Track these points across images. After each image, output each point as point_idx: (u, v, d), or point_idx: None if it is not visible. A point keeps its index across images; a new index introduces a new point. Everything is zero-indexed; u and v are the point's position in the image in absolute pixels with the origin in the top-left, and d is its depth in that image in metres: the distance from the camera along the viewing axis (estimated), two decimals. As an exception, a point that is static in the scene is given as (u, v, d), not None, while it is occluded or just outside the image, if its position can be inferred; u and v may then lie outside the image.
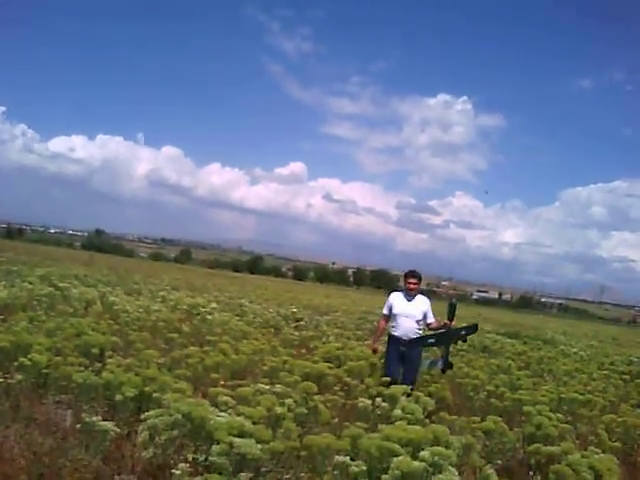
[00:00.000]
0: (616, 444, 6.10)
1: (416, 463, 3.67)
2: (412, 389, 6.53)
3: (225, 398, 4.97)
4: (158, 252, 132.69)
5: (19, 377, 5.46)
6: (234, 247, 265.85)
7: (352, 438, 4.27)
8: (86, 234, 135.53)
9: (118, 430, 4.41)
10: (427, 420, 5.35)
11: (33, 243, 79.88)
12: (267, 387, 5.77)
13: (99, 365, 6.05)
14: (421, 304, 7.64)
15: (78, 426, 4.63)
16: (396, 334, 7.53)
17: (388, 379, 7.01)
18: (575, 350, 18.28)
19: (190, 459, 4.03)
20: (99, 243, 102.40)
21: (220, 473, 3.67)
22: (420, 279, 7.77)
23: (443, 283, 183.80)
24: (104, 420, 4.44)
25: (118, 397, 4.95)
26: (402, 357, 7.41)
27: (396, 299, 7.72)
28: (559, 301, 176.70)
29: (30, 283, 13.48)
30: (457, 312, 7.75)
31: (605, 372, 12.51)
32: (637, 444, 6.32)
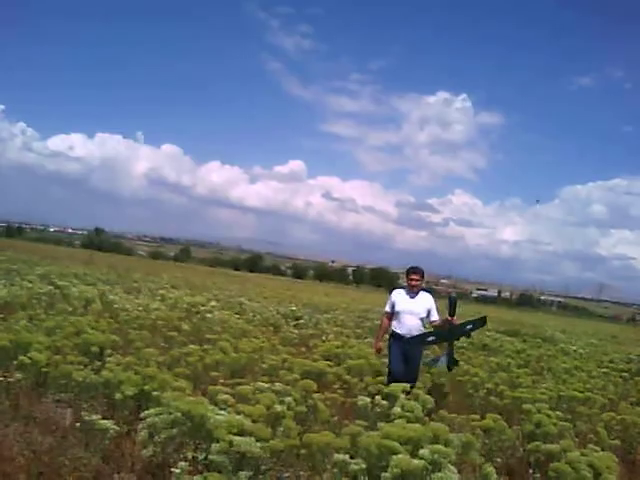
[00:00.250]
0: (615, 442, 6.11)
1: (415, 461, 3.67)
2: (412, 387, 6.50)
3: (225, 396, 4.98)
4: (157, 250, 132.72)
5: (19, 376, 5.47)
6: (233, 245, 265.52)
7: (351, 436, 4.28)
8: (85, 233, 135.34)
9: (118, 429, 4.41)
10: (427, 418, 5.36)
11: (33, 242, 79.96)
12: (267, 385, 5.77)
13: (99, 364, 6.04)
14: (425, 301, 7.46)
15: (78, 425, 4.64)
16: (399, 332, 7.32)
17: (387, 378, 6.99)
18: (574, 348, 18.27)
19: (190, 457, 4.03)
20: (99, 242, 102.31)
21: (220, 471, 3.68)
22: (423, 275, 7.56)
23: (442, 281, 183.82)
24: (104, 419, 4.45)
25: (118, 396, 4.96)
26: (405, 355, 7.23)
27: (398, 296, 7.51)
28: (559, 299, 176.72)
29: (30, 282, 13.48)
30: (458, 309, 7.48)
31: (604, 370, 12.51)
32: (636, 442, 6.32)
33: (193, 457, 4.05)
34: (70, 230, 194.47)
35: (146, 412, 4.28)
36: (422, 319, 7.40)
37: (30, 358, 5.61)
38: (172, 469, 3.75)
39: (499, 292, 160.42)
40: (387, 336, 7.73)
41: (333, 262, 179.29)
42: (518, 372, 10.06)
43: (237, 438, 3.81)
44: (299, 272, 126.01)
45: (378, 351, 8.03)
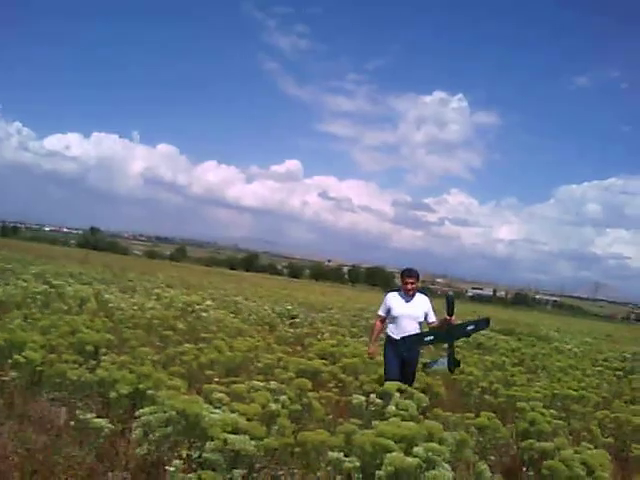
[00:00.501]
0: (609, 440, 6.15)
1: (409, 459, 3.68)
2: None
3: (219, 395, 4.98)
4: (153, 250, 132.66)
5: (13, 374, 5.47)
6: (230, 245, 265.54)
7: (346, 434, 4.28)
8: (81, 232, 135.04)
9: (112, 427, 4.41)
10: (421, 416, 5.36)
11: (28, 241, 79.76)
12: (262, 384, 5.78)
13: (93, 362, 6.03)
14: (422, 304, 7.17)
15: (72, 423, 4.64)
16: (397, 337, 6.95)
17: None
18: (569, 347, 18.32)
19: (184, 456, 4.03)
20: (94, 241, 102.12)
21: (214, 470, 3.68)
22: (418, 277, 7.23)
23: (438, 280, 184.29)
24: (98, 417, 4.44)
25: (112, 394, 4.95)
26: (402, 360, 6.99)
27: (394, 300, 7.20)
28: (554, 298, 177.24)
29: (25, 281, 13.43)
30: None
31: (599, 368, 12.57)
32: (629, 440, 6.34)
33: (187, 455, 4.05)
34: (65, 229, 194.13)
35: (141, 411, 4.28)
36: (420, 323, 7.15)
37: (25, 357, 5.60)
38: (166, 467, 3.75)
39: (494, 291, 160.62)
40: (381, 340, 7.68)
41: (329, 261, 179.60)
42: (513, 371, 10.10)
43: (231, 436, 3.82)
44: (295, 271, 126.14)
45: (372, 356, 7.71)
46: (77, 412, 4.58)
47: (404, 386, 6.14)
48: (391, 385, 5.99)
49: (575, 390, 8.21)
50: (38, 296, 11.35)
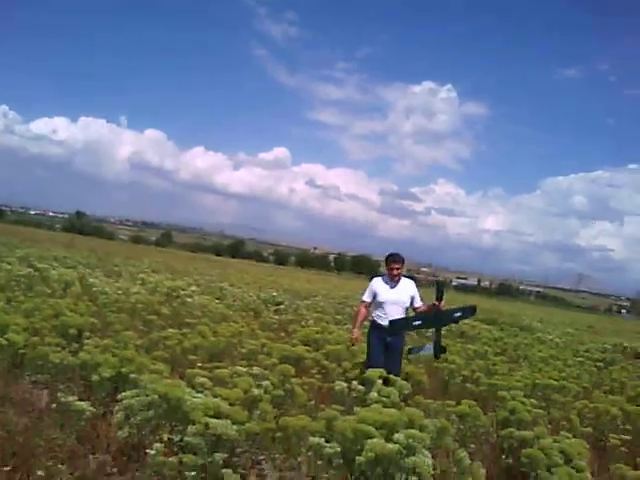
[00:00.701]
0: (587, 429, 6.21)
1: (390, 445, 3.70)
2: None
3: (202, 379, 4.99)
4: (139, 235, 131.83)
5: (-5, 357, 5.45)
6: (216, 231, 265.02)
7: (327, 420, 4.30)
8: (67, 216, 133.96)
9: (94, 410, 4.41)
10: (403, 403, 5.39)
11: (13, 224, 79.11)
12: (245, 369, 5.79)
13: (76, 346, 6.02)
14: (408, 288, 7.02)
15: (53, 406, 4.64)
16: (383, 323, 6.85)
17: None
18: (551, 337, 18.47)
19: (165, 439, 4.04)
20: (80, 225, 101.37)
21: (195, 453, 3.70)
22: (403, 262, 7.05)
23: (423, 269, 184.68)
24: (80, 400, 4.44)
25: (94, 377, 4.94)
26: (387, 345, 6.85)
27: (379, 286, 7.05)
28: (537, 289, 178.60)
29: (9, 264, 13.35)
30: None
31: (580, 359, 12.68)
32: (608, 429, 6.42)
33: (169, 439, 4.06)
34: (51, 213, 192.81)
35: (123, 394, 4.28)
36: (406, 308, 7.03)
37: (7, 339, 5.59)
38: (147, 451, 3.76)
39: (479, 281, 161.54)
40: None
41: (315, 249, 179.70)
42: (495, 360, 10.18)
43: (213, 421, 3.82)
44: (281, 258, 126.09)
45: (355, 342, 7.45)
46: (59, 395, 4.57)
47: (387, 374, 6.12)
48: (373, 372, 6.01)
49: (556, 380, 8.28)
50: (22, 279, 11.30)
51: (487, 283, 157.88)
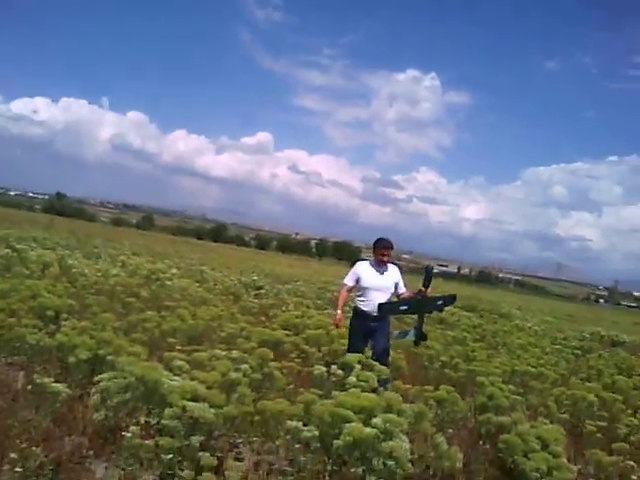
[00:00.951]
0: (564, 415, 6.29)
1: (368, 429, 3.71)
2: (388, 364, 6.39)
3: (180, 362, 4.96)
4: (120, 217, 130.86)
5: (-30, 337, 5.38)
6: (198, 215, 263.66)
7: (305, 404, 4.30)
8: (47, 197, 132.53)
9: (70, 392, 4.37)
10: (381, 388, 5.40)
11: (-9, 204, 78.22)
12: (223, 353, 5.76)
13: (54, 327, 5.96)
14: (393, 274, 6.89)
15: (29, 387, 4.59)
16: (366, 310, 6.74)
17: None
18: (530, 325, 18.66)
19: (142, 422, 4.02)
20: (60, 207, 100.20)
21: (172, 436, 3.67)
22: (392, 248, 6.93)
23: (404, 256, 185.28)
24: (57, 382, 4.39)
25: (71, 359, 4.89)
26: (370, 332, 6.74)
27: (364, 271, 6.88)
28: (516, 277, 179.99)
29: (-14, 245, 13.20)
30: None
31: (558, 347, 12.84)
32: (584, 416, 6.50)
33: (146, 422, 4.03)
34: (31, 194, 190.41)
35: (99, 376, 4.24)
36: (391, 294, 6.88)
37: (-18, 320, 5.52)
38: (124, 433, 3.73)
39: (459, 269, 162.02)
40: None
41: (297, 234, 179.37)
42: (473, 346, 10.25)
43: (190, 404, 3.80)
44: (263, 243, 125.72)
45: (337, 324, 7.32)
46: (35, 376, 4.52)
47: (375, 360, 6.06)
48: (353, 357, 6.00)
49: (534, 367, 8.36)
50: (0, 260, 11.16)
51: (467, 271, 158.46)
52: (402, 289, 6.94)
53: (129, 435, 3.65)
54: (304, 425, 4.01)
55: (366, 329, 6.76)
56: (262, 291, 15.87)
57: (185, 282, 13.49)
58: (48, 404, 4.27)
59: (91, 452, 4.05)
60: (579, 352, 12.86)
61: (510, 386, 6.67)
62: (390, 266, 6.94)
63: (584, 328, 21.88)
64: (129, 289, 10.46)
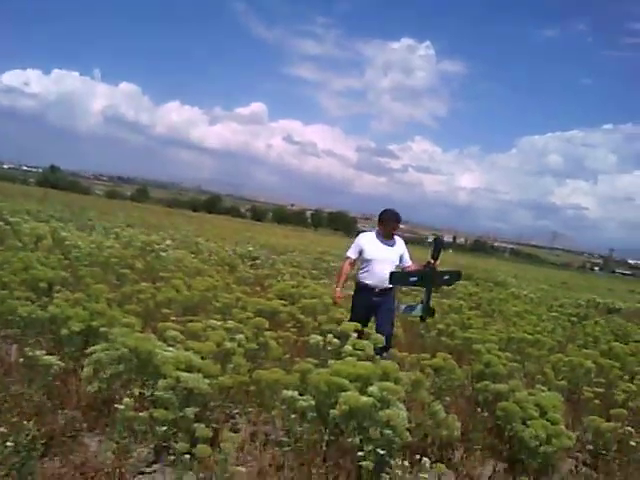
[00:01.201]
0: (562, 382, 6.27)
1: (364, 398, 3.68)
2: (388, 344, 6.18)
3: (174, 333, 4.89)
4: (114, 190, 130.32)
5: (-39, 311, 5.31)
6: (193, 186, 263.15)
7: (301, 373, 4.26)
8: (41, 170, 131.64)
9: (62, 365, 4.31)
10: (377, 357, 5.36)
11: (-16, 179, 77.76)
12: (218, 323, 5.70)
13: (46, 300, 5.89)
14: (399, 246, 6.67)
15: (22, 360, 4.53)
16: (369, 283, 6.47)
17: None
18: (525, 293, 18.67)
19: (136, 394, 3.97)
20: (54, 180, 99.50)
21: (166, 408, 3.63)
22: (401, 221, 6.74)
23: (400, 226, 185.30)
24: (49, 355, 4.34)
25: (64, 331, 4.83)
26: (374, 307, 6.49)
27: (368, 242, 6.61)
28: (511, 246, 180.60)
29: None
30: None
31: (554, 314, 12.84)
32: (582, 382, 6.50)
33: (139, 393, 3.99)
34: (25, 167, 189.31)
35: (92, 348, 4.18)
36: (395, 267, 6.55)
37: (-26, 293, 5.45)
38: (117, 405, 3.68)
39: (454, 238, 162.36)
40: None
41: (292, 205, 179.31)
42: (469, 314, 10.22)
43: (184, 374, 3.75)
44: (258, 214, 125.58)
45: (337, 301, 7.03)
46: (27, 349, 4.46)
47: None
48: (348, 325, 5.97)
49: (530, 334, 8.35)
50: (-8, 232, 11.08)
51: (462, 240, 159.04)
52: (408, 262, 6.71)
53: (123, 407, 3.59)
54: (300, 395, 3.97)
55: (369, 304, 6.53)
56: (258, 262, 15.84)
57: (180, 253, 13.43)
58: (40, 377, 4.22)
59: (84, 425, 4.01)
60: (575, 319, 12.87)
61: (507, 353, 6.65)
62: (396, 238, 6.72)
63: (579, 296, 21.94)
64: (123, 261, 10.37)
